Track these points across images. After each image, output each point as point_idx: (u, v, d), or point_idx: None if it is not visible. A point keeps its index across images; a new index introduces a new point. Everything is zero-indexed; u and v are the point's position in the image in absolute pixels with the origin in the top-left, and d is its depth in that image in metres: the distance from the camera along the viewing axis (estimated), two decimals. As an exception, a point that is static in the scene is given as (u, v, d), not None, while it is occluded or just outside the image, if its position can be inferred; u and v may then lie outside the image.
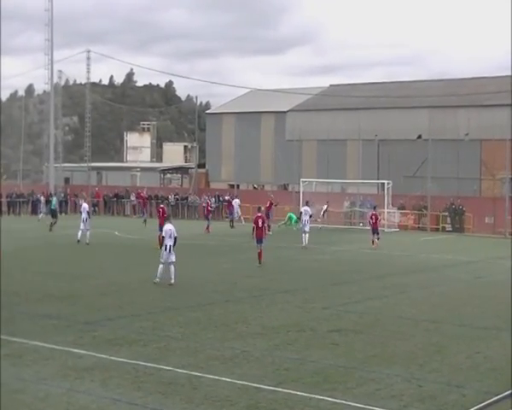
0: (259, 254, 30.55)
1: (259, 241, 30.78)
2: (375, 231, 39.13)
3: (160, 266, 24.71)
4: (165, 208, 38.56)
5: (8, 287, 23.07)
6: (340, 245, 40.64)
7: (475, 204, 51.86)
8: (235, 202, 56.62)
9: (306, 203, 41.16)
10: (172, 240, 24.66)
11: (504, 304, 22.09)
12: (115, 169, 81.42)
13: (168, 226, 25.00)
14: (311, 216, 39.11)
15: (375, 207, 42.90)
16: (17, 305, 20.68)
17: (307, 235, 38.00)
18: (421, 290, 25.28)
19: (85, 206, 39.48)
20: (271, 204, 49.63)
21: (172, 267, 24.51)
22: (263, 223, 31.21)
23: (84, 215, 38.11)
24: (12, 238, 38.38)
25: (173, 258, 24.59)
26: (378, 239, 38.96)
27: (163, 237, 24.95)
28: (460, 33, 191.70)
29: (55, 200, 48.63)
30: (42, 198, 60.61)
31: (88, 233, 37.70)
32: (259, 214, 31.75)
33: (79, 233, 37.80)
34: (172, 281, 24.32)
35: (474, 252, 38.70)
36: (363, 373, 14.05)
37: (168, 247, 24.59)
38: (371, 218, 39.96)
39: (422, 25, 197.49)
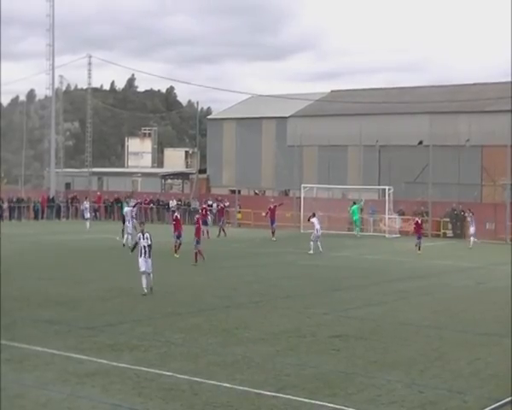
0: (196, 254, 31.95)
1: (198, 241, 32.39)
2: (418, 237, 40.94)
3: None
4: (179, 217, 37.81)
5: (10, 292, 23.10)
6: (341, 251, 40.61)
7: (476, 210, 51.64)
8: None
9: (313, 215, 40.27)
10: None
11: (506, 310, 22.07)
12: (116, 174, 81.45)
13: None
14: (317, 230, 39.00)
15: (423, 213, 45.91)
16: (18, 310, 20.68)
17: (318, 242, 38.65)
18: (422, 296, 25.27)
19: (128, 210, 39.92)
20: (275, 208, 48.17)
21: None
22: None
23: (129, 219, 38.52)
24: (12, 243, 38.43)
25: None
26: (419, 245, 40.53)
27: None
28: (461, 40, 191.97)
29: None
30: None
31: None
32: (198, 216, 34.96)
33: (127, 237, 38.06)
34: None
35: (475, 258, 38.66)
36: (364, 379, 14.05)
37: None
38: (415, 224, 41.96)
39: (423, 31, 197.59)
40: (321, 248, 38.42)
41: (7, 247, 34.44)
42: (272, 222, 46.92)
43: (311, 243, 38.63)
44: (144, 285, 23.93)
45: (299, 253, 37.97)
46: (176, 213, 38.05)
